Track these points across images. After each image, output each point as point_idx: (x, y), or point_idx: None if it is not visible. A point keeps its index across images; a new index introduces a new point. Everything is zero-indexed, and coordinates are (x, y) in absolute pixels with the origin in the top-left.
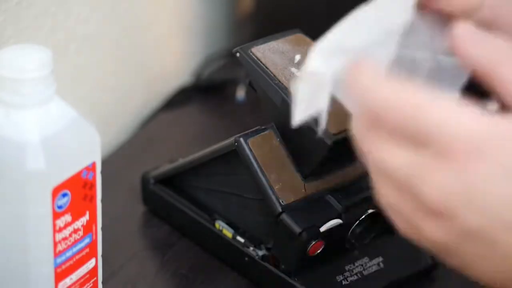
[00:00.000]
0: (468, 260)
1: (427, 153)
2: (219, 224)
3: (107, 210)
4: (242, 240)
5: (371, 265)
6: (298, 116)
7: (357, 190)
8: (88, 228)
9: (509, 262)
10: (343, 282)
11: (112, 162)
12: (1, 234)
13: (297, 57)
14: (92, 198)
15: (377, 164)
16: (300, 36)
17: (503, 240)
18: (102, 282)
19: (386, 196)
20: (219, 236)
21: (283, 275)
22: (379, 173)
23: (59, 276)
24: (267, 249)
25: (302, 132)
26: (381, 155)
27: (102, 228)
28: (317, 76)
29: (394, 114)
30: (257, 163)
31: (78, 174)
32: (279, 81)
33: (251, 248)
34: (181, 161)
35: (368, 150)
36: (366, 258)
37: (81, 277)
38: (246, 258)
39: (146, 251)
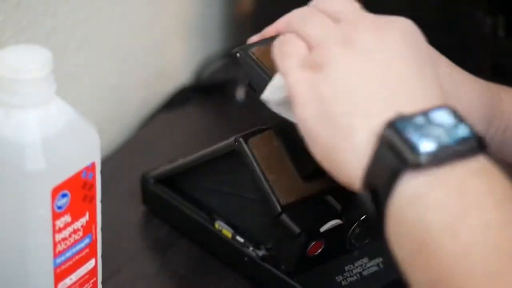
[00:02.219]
0: (325, 145)
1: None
2: (219, 224)
3: (107, 210)
4: (241, 240)
5: (371, 265)
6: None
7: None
8: (88, 228)
9: (361, 155)
10: (343, 283)
11: (112, 162)
12: (1, 234)
13: None
14: (92, 198)
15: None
16: None
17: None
18: (102, 282)
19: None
20: (219, 236)
21: (282, 275)
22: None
23: (59, 276)
24: (267, 249)
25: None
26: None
27: (102, 229)
28: None
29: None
30: (257, 163)
31: (78, 175)
32: None
33: (251, 248)
34: (181, 161)
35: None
36: (365, 258)
37: (81, 278)
38: (246, 258)
39: (146, 251)
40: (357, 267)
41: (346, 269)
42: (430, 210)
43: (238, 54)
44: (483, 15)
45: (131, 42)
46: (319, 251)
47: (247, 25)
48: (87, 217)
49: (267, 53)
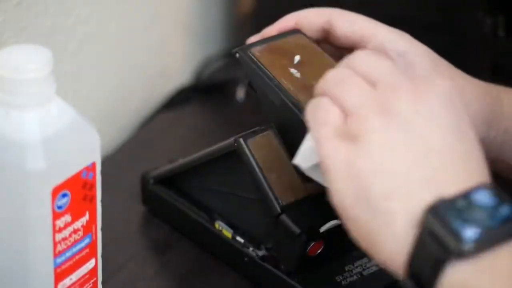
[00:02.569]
0: (363, 227)
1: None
2: (219, 224)
3: (107, 210)
4: (241, 240)
5: (371, 265)
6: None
7: None
8: (88, 228)
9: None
10: (343, 283)
11: (112, 162)
12: (1, 234)
13: (297, 58)
14: (92, 198)
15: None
16: (300, 37)
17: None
18: (102, 283)
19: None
20: (219, 236)
21: (283, 276)
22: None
23: (59, 276)
24: (267, 249)
25: (301, 133)
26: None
27: (102, 228)
28: None
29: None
30: (257, 163)
31: (78, 174)
32: (279, 82)
33: (251, 249)
34: (181, 161)
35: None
36: (365, 258)
37: (81, 278)
38: (246, 259)
39: (146, 252)
40: (357, 267)
41: (346, 269)
42: None
43: (237, 54)
44: (483, 15)
45: (131, 42)
46: (319, 251)
47: (247, 25)
48: (87, 217)
49: (267, 53)
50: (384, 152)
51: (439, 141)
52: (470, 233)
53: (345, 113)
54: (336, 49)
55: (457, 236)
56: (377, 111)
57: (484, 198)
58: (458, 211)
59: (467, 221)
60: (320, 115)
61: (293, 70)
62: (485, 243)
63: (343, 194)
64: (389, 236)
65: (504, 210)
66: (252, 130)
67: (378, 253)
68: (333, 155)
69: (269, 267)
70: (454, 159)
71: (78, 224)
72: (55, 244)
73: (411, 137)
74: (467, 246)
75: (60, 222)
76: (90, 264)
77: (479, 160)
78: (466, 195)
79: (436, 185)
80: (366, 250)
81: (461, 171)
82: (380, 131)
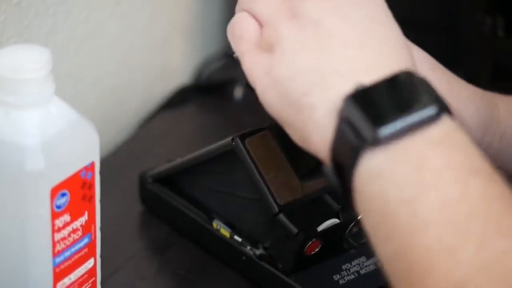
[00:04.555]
0: (292, 126)
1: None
2: (217, 224)
3: (106, 210)
4: (239, 239)
5: (368, 264)
6: None
7: None
8: (87, 228)
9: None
10: (340, 281)
11: (112, 162)
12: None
13: None
14: (91, 198)
15: None
16: None
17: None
18: (101, 282)
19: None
20: (217, 235)
21: (280, 275)
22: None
23: (58, 276)
24: (265, 248)
25: None
26: None
27: (101, 228)
28: None
29: None
30: (254, 163)
31: (77, 174)
32: None
33: (249, 247)
34: (179, 160)
35: None
36: (363, 257)
37: (80, 277)
38: (244, 257)
39: (145, 251)
40: (354, 266)
41: (343, 268)
42: (390, 186)
43: (234, 55)
44: (482, 15)
45: (131, 42)
46: (317, 250)
47: None
48: (86, 216)
49: None
50: (296, 55)
51: (350, 32)
52: (384, 120)
53: (261, 24)
54: None
55: (372, 124)
56: (287, 17)
57: (402, 84)
58: (374, 99)
59: (382, 108)
60: (238, 30)
61: None
62: (399, 131)
63: (270, 102)
64: (314, 129)
65: (421, 96)
66: (250, 129)
67: (309, 146)
68: (254, 67)
69: (267, 266)
70: (369, 47)
71: (77, 223)
72: (54, 243)
73: (321, 34)
74: (381, 134)
75: (59, 222)
76: (89, 263)
77: (398, 46)
78: (383, 82)
79: (353, 74)
80: (302, 146)
81: (377, 57)
82: (291, 35)
